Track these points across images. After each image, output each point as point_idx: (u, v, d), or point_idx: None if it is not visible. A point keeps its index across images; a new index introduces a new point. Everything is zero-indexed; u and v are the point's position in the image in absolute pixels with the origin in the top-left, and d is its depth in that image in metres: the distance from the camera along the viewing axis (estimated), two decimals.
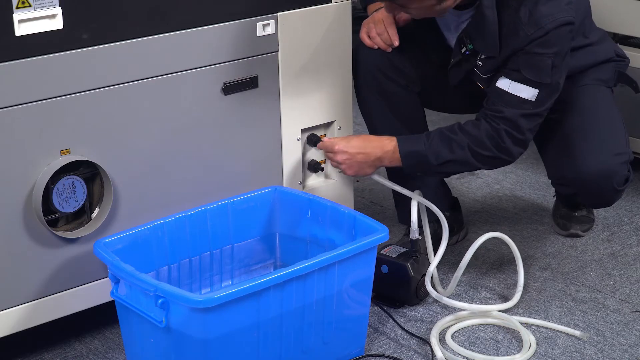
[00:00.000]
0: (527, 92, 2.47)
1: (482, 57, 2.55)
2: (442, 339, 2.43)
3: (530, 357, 2.36)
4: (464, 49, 2.57)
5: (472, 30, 2.53)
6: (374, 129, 2.76)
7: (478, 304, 2.60)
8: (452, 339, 2.43)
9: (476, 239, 2.49)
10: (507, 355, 2.38)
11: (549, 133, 2.75)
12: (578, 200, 2.93)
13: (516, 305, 2.58)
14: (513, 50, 2.47)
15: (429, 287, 2.50)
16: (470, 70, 2.60)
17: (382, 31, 2.68)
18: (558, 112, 2.72)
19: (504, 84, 2.49)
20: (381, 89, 2.72)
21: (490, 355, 2.37)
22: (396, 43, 2.67)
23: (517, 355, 2.35)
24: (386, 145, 2.56)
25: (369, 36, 2.70)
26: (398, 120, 2.73)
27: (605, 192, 2.68)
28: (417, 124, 2.77)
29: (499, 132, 2.47)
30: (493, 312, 2.51)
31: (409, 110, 2.76)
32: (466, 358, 2.36)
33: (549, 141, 2.77)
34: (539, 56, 2.44)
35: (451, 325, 2.49)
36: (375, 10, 2.74)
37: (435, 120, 3.88)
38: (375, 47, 2.69)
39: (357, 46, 2.71)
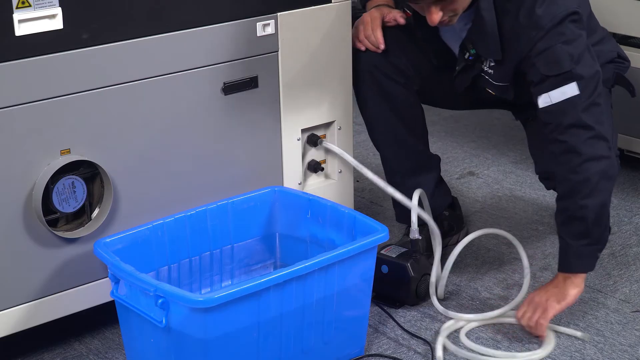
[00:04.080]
0: (568, 90, 2.39)
1: (491, 63, 2.54)
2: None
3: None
4: (467, 54, 2.57)
5: (473, 35, 2.52)
6: (373, 129, 2.77)
7: (478, 303, 2.60)
8: (450, 339, 2.44)
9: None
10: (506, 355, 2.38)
11: (537, 128, 2.74)
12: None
13: (517, 306, 2.58)
14: (520, 55, 2.44)
15: (433, 299, 2.50)
16: (477, 75, 2.60)
17: (369, 34, 2.68)
18: None
19: (544, 100, 2.42)
20: (380, 87, 2.71)
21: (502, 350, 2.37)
22: (381, 47, 2.66)
23: (539, 350, 2.37)
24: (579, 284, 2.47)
25: (358, 39, 2.70)
26: (398, 118, 2.73)
27: None
28: (416, 121, 2.77)
29: (568, 145, 2.38)
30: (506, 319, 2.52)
31: (408, 108, 2.75)
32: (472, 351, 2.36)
33: (536, 136, 2.76)
34: (549, 50, 2.40)
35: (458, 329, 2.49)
36: (371, 9, 2.74)
37: (436, 120, 3.88)
38: (364, 49, 2.69)
39: (354, 46, 2.72)
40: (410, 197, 2.58)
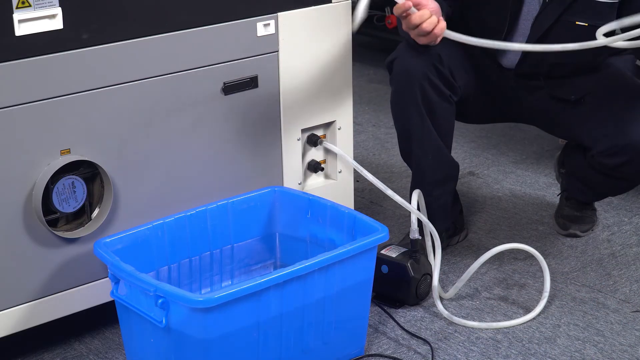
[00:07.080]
0: None
1: None
2: (441, 338, 2.43)
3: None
4: None
5: None
6: (410, 139, 2.69)
7: (478, 303, 2.60)
8: (450, 339, 2.44)
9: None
10: (506, 355, 2.38)
11: (590, 110, 2.70)
12: (623, 174, 2.79)
13: (517, 306, 2.58)
14: None
15: (439, 307, 2.50)
16: (572, 2, 2.58)
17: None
18: (597, 91, 2.71)
19: None
20: (425, 97, 2.63)
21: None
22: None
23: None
24: None
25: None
26: (437, 130, 2.67)
27: None
28: (450, 133, 2.73)
29: None
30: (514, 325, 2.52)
31: (446, 120, 2.70)
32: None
33: (590, 117, 2.71)
34: None
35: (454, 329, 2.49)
36: None
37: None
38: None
39: (401, 54, 2.64)
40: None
